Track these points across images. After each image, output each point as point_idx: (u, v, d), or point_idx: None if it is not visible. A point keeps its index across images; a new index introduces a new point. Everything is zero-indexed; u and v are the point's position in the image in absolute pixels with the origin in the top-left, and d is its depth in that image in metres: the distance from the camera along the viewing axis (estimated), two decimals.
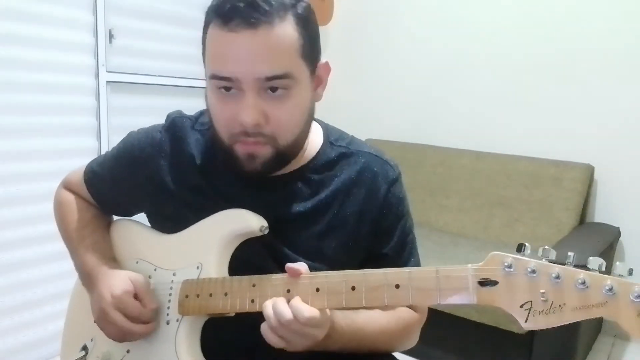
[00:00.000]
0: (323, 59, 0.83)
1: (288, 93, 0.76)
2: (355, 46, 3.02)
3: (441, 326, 1.92)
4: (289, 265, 0.76)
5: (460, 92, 2.69)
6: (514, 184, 2.38)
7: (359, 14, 2.99)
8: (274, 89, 0.75)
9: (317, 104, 0.85)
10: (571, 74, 2.37)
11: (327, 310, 0.75)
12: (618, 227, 2.25)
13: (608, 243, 2.06)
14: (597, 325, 2.32)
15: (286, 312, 0.71)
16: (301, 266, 0.76)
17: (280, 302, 0.73)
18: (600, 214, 2.36)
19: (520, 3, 2.50)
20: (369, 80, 3.00)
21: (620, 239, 2.27)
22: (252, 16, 0.71)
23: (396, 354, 0.92)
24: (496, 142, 2.55)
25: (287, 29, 0.74)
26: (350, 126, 0.98)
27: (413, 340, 0.94)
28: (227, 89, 0.76)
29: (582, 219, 2.29)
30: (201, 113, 0.94)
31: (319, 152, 0.88)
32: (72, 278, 1.02)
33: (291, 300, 0.73)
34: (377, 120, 2.95)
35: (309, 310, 0.71)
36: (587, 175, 2.26)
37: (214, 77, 0.76)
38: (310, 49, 0.78)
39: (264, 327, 0.73)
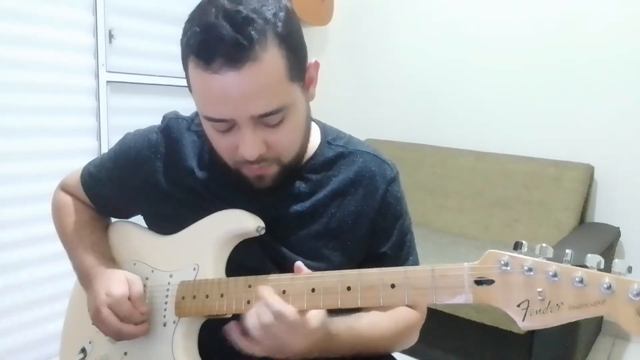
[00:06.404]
0: (322, 58, 0.82)
1: (285, 119, 0.75)
2: (355, 46, 3.01)
3: (441, 326, 1.92)
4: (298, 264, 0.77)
5: (459, 92, 2.68)
6: (513, 184, 2.37)
7: (358, 14, 2.99)
8: (270, 119, 0.74)
9: (317, 105, 0.85)
10: (571, 74, 2.37)
11: (314, 319, 0.72)
12: (618, 227, 2.25)
13: (608, 243, 2.05)
14: (597, 325, 2.31)
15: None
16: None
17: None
18: (600, 214, 2.35)
19: (520, 3, 2.49)
20: (369, 80, 2.99)
21: (620, 239, 2.27)
22: (234, 55, 0.67)
23: (396, 354, 0.92)
24: (496, 142, 2.54)
25: (271, 59, 0.69)
26: (349, 126, 0.98)
27: (413, 340, 0.93)
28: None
29: (582, 219, 2.28)
30: (197, 114, 0.92)
31: (316, 152, 0.88)
32: (72, 278, 1.02)
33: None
34: (377, 120, 2.95)
35: (279, 302, 0.71)
36: (587, 175, 2.25)
37: (207, 118, 0.74)
38: (297, 64, 0.74)
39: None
